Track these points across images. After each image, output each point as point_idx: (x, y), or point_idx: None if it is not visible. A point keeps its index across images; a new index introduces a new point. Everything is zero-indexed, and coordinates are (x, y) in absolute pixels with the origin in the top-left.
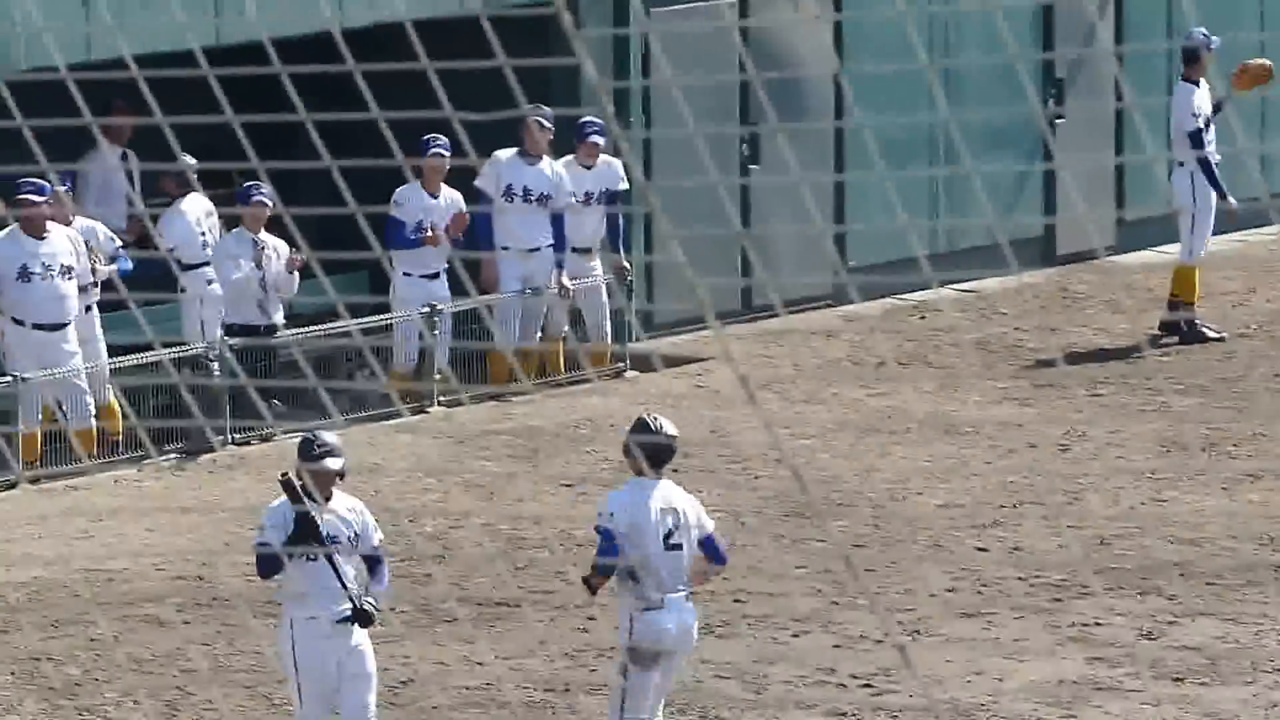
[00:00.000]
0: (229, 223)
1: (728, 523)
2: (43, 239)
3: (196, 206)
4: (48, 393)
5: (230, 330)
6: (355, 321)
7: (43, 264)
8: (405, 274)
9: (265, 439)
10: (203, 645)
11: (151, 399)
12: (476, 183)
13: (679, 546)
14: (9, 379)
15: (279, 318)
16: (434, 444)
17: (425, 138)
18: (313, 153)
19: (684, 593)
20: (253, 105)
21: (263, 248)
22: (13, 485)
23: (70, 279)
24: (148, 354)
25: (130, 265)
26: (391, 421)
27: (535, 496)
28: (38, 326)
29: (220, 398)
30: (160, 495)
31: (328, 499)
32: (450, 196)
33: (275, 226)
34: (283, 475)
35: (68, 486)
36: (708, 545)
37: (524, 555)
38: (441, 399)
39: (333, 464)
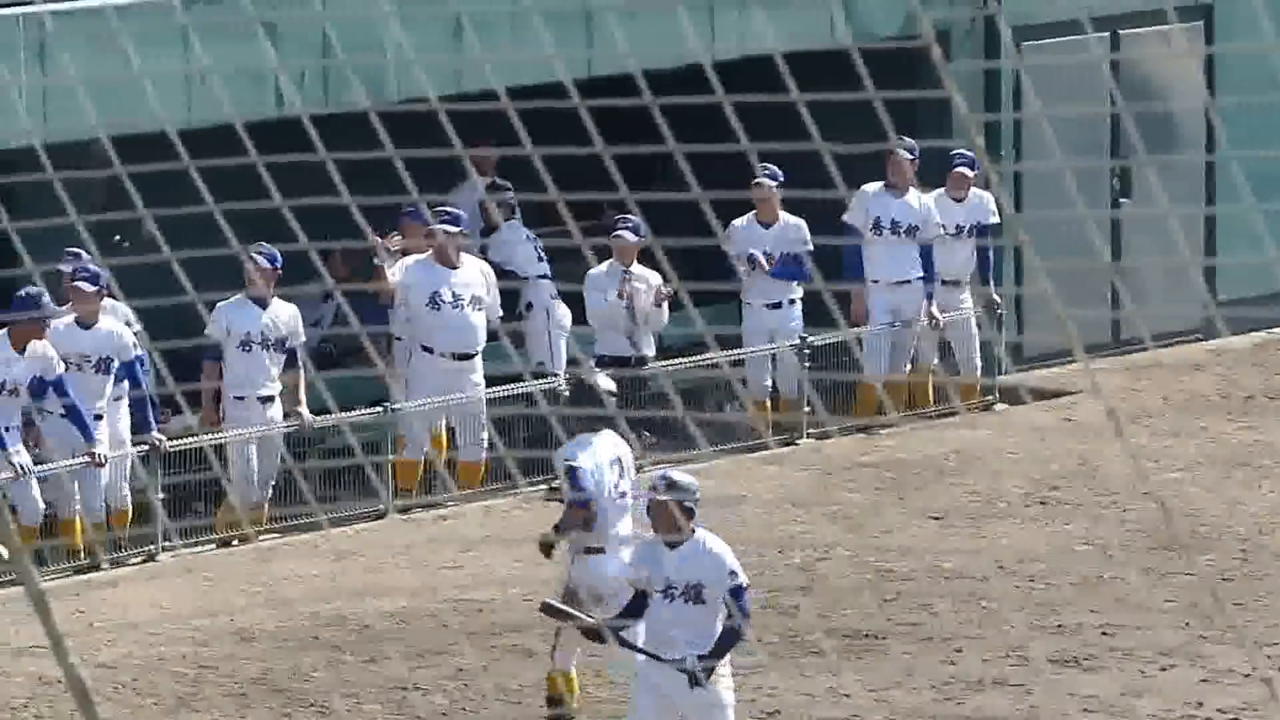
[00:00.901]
0: (599, 254)
1: (1095, 555)
2: (455, 269)
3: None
4: (438, 422)
5: (600, 361)
6: (723, 353)
7: (454, 293)
8: (747, 304)
9: (636, 470)
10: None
11: (522, 430)
12: (845, 216)
13: (623, 494)
14: (379, 409)
15: (648, 349)
16: (801, 475)
17: (759, 167)
18: (683, 184)
19: (624, 540)
20: (622, 137)
21: (630, 280)
22: (381, 515)
23: (479, 310)
24: (518, 385)
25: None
26: (759, 453)
27: (902, 528)
28: (445, 355)
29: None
30: (528, 525)
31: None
32: (785, 224)
33: (646, 258)
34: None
35: (436, 516)
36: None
37: (891, 587)
38: (810, 431)
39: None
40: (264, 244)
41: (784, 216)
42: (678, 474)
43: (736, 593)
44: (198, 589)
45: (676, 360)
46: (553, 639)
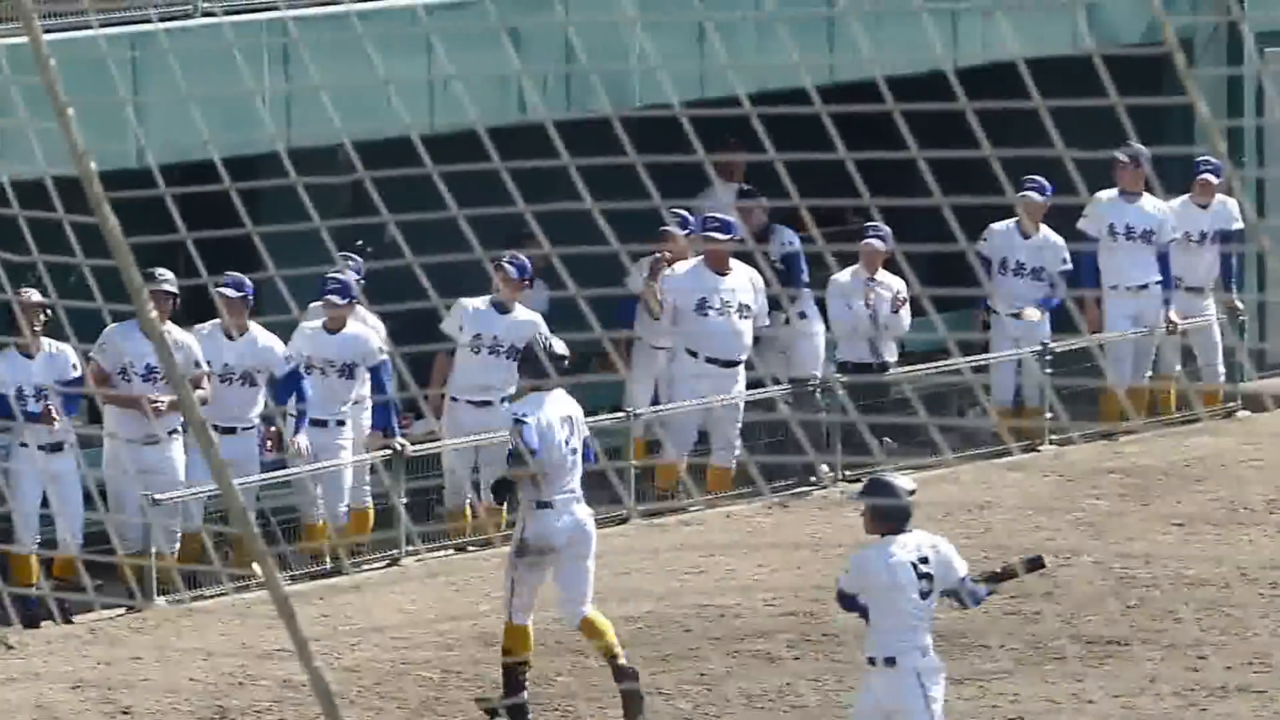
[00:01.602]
0: (842, 260)
1: None
2: (724, 275)
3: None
4: (691, 427)
5: (842, 367)
6: (965, 359)
7: (722, 299)
8: (994, 311)
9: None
10: (812, 681)
11: (763, 435)
12: (1080, 224)
13: (575, 450)
14: (621, 413)
15: (890, 355)
16: (1044, 482)
17: (1024, 179)
18: (926, 190)
19: (575, 495)
20: (865, 143)
21: (875, 287)
22: (624, 520)
23: (745, 318)
24: (758, 391)
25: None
26: (1002, 460)
27: (1145, 535)
28: (711, 360)
29: (833, 433)
30: (771, 531)
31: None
32: (1045, 239)
33: (889, 264)
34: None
35: (679, 521)
36: (586, 451)
37: (1134, 593)
38: (1053, 438)
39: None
40: (513, 254)
41: (1044, 230)
42: (890, 477)
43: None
44: (442, 593)
45: (920, 366)
46: (507, 595)
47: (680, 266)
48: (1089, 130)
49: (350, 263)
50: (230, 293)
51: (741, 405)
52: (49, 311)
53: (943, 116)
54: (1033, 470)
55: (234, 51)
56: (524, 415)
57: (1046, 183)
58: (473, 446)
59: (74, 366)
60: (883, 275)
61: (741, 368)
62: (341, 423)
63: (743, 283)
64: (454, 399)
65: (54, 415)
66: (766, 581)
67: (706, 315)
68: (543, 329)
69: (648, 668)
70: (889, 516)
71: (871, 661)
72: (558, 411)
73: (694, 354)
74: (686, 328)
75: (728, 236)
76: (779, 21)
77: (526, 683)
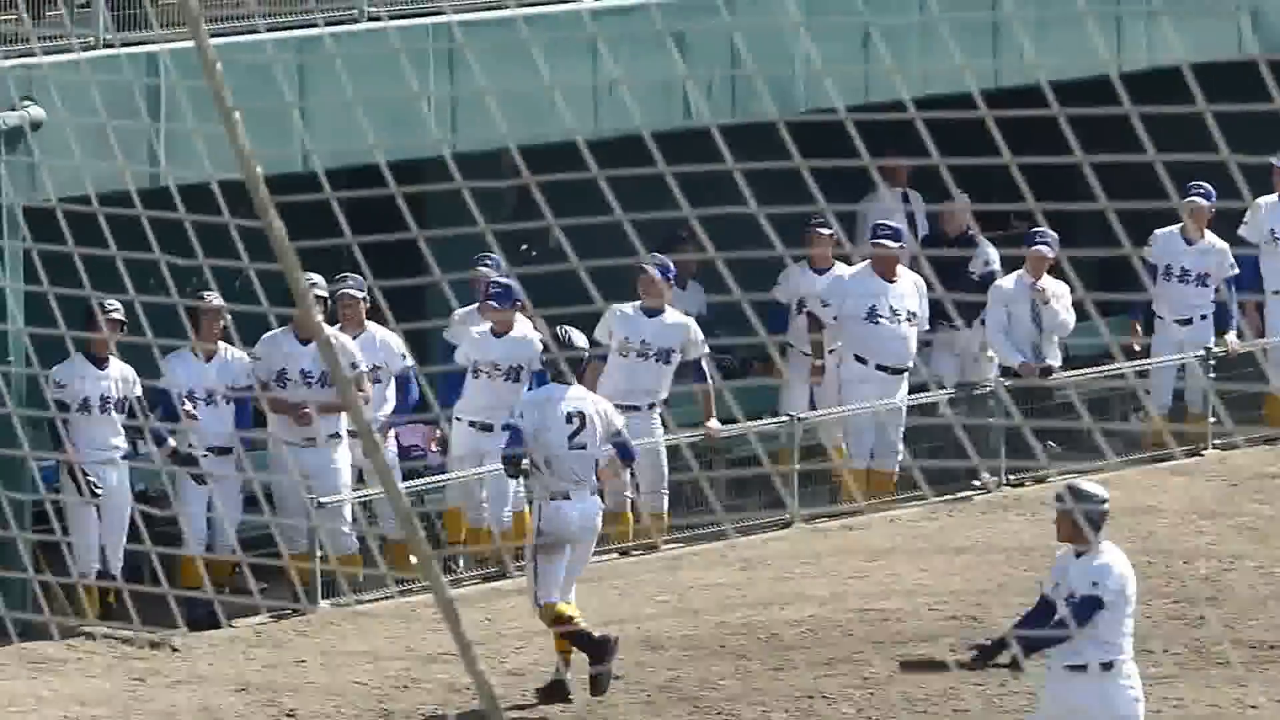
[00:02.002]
0: (1008, 265)
1: None
2: (892, 282)
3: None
4: (868, 432)
5: (1005, 373)
6: (1130, 364)
7: (890, 307)
8: (1159, 317)
9: (1039, 480)
10: (975, 685)
11: (925, 439)
12: (1240, 230)
13: (583, 446)
14: (785, 417)
15: (1054, 359)
16: (1208, 486)
17: (1189, 185)
18: (1091, 195)
19: (589, 487)
20: (1030, 148)
21: (1041, 292)
22: (787, 524)
23: (913, 325)
24: (923, 395)
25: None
26: (1165, 464)
27: None
28: (880, 368)
29: (996, 438)
30: (934, 536)
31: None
32: (1210, 245)
33: (1053, 269)
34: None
35: (842, 526)
36: (618, 444)
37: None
38: (1216, 442)
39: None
40: (657, 254)
41: (1210, 236)
42: (1085, 483)
43: (1080, 603)
44: (605, 597)
45: (1083, 370)
46: (531, 585)
47: (849, 272)
48: (1252, 135)
49: (488, 263)
50: (355, 293)
51: (905, 410)
52: (228, 316)
53: (1107, 121)
54: (1196, 475)
55: (399, 56)
56: (512, 420)
57: (1211, 188)
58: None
59: (247, 374)
60: (1047, 280)
61: (905, 377)
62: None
63: (909, 289)
64: (862, 360)
65: (194, 418)
66: (930, 586)
67: (877, 323)
68: (695, 333)
69: (810, 672)
70: (1098, 524)
71: (1082, 668)
72: (565, 407)
73: (863, 360)
74: (855, 333)
75: (897, 245)
76: (943, 25)
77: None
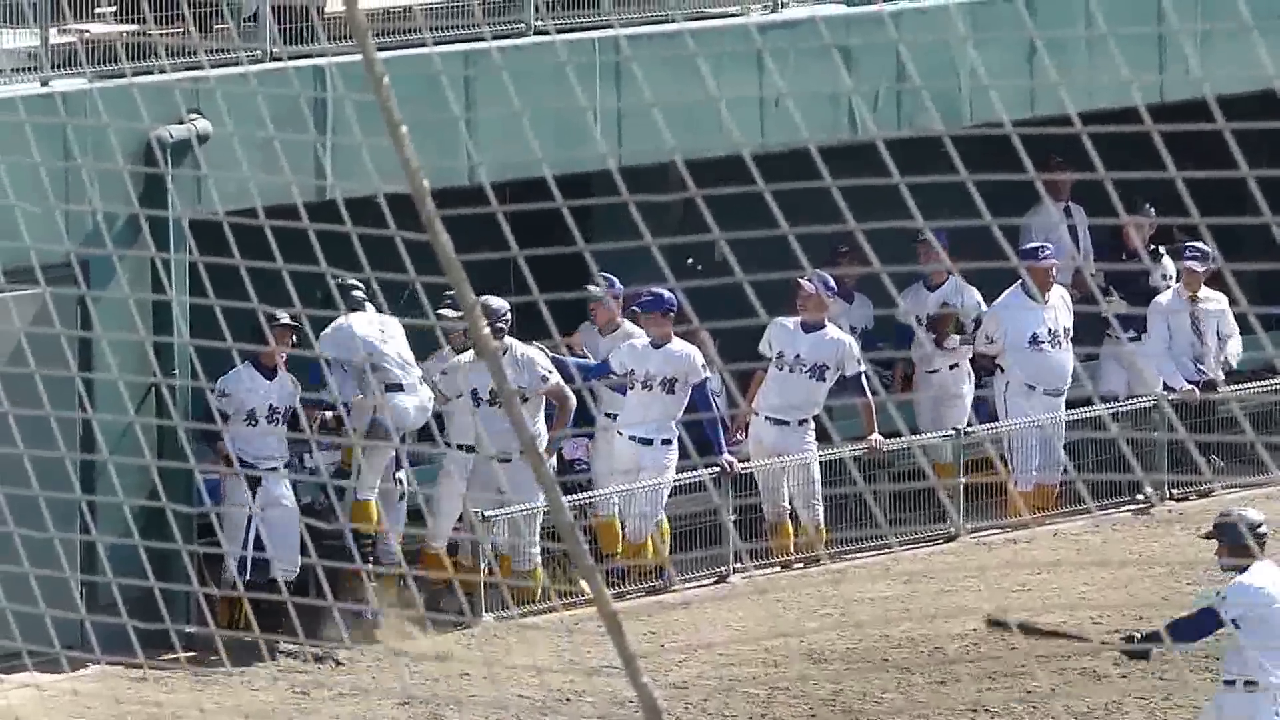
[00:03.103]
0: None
1: None
2: (1044, 304)
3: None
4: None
5: (1166, 387)
6: None
7: (1049, 329)
8: None
9: (1203, 494)
10: (1140, 699)
11: (1090, 454)
12: None
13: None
14: (952, 432)
15: (1217, 374)
16: None
17: None
18: (1256, 210)
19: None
20: (1194, 162)
21: (1197, 306)
22: (952, 537)
23: (1063, 348)
24: (1087, 409)
25: None
26: None
27: None
28: (1048, 393)
29: (1160, 452)
30: (1098, 549)
31: None
32: None
33: (1216, 282)
34: None
35: (1006, 539)
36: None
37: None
38: None
39: None
40: (819, 271)
41: None
42: (1246, 510)
43: (1196, 616)
44: (769, 610)
45: (1247, 384)
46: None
47: (1005, 298)
48: None
49: (604, 283)
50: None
51: (1062, 426)
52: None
53: (1273, 135)
54: None
55: (566, 69)
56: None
57: None
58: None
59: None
60: (1206, 293)
61: (1066, 390)
62: (668, 441)
63: (1060, 306)
64: (756, 414)
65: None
66: (1093, 599)
67: (1042, 350)
68: (851, 349)
69: (974, 685)
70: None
71: (1230, 684)
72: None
73: (1032, 387)
74: (1019, 359)
75: (1052, 263)
76: (1110, 38)
77: None
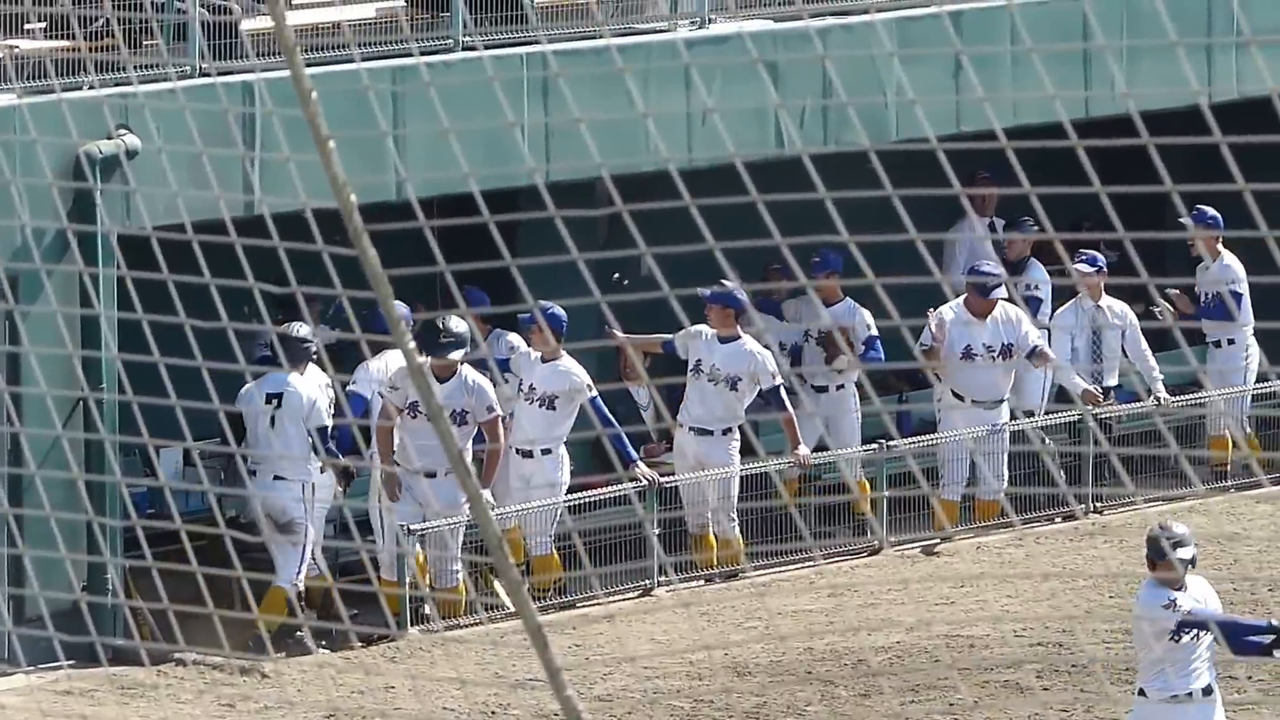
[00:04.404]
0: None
1: None
2: (984, 320)
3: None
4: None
5: (1061, 395)
6: (1216, 392)
7: (985, 344)
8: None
9: (1127, 507)
10: (1060, 712)
11: (1014, 467)
12: None
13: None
14: (874, 445)
15: (1112, 381)
16: None
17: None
18: (1177, 224)
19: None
20: (1120, 177)
21: (1100, 311)
22: (876, 550)
23: (999, 364)
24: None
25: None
26: (1253, 491)
27: None
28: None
29: (1087, 464)
30: (1022, 562)
31: None
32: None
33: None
34: None
35: (931, 552)
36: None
37: None
38: None
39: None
40: (724, 283)
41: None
42: (1174, 524)
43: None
44: (694, 623)
45: (1172, 398)
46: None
47: (947, 311)
48: None
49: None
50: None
51: (1006, 440)
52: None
53: (1197, 151)
54: None
55: (494, 85)
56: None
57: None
58: (707, 475)
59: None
60: (1108, 301)
61: (1003, 403)
62: (548, 451)
63: (1002, 323)
64: (680, 426)
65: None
66: (1016, 612)
67: (975, 363)
68: (765, 363)
69: (898, 697)
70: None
71: (1188, 695)
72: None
73: (960, 397)
74: (954, 372)
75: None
76: (1035, 55)
77: None
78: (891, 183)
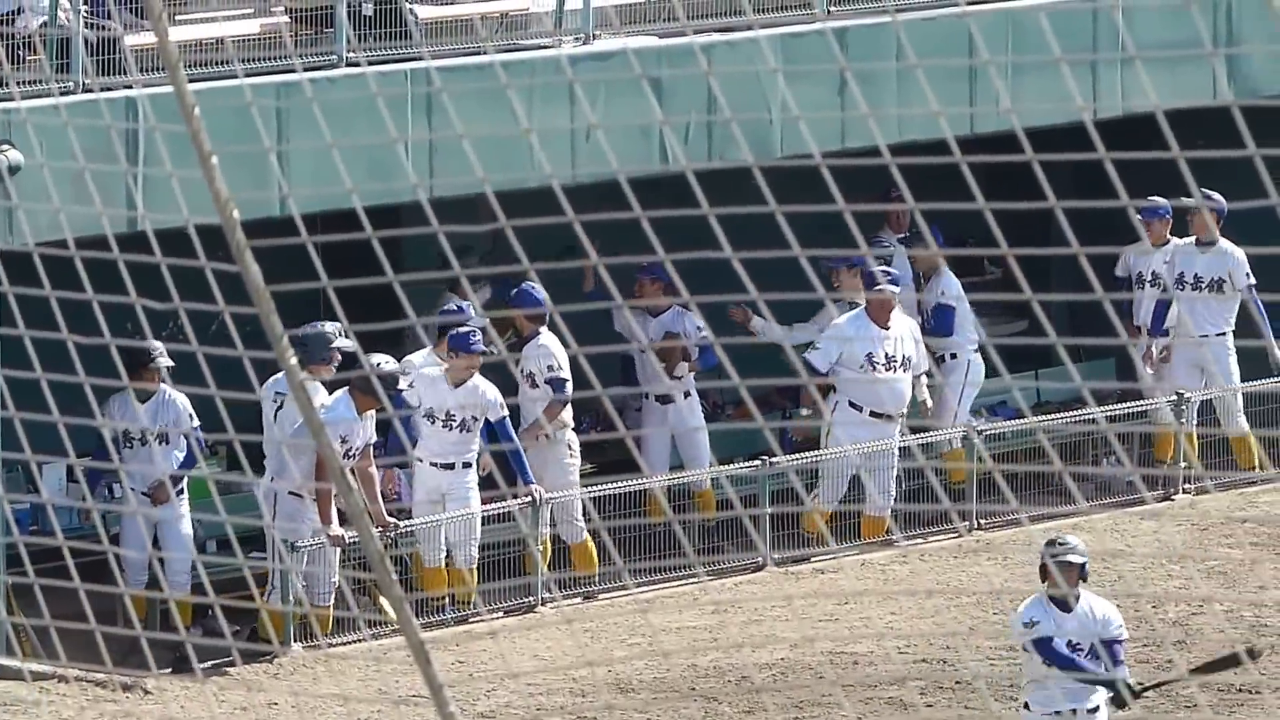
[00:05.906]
0: (977, 309)
1: None
2: (887, 328)
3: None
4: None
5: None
6: (1102, 409)
7: (887, 354)
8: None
9: (1010, 524)
10: None
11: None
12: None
13: None
14: (758, 462)
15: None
16: (1178, 531)
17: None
18: (1066, 240)
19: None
20: (1006, 193)
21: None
22: (759, 567)
23: (907, 371)
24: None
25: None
26: (1136, 508)
27: (1278, 583)
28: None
29: (967, 483)
30: (905, 579)
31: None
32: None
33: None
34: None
35: (814, 569)
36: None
37: (1266, 642)
38: (1186, 486)
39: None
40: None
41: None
42: (1070, 536)
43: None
44: (577, 639)
45: (1054, 415)
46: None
47: (840, 319)
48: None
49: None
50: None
51: (895, 454)
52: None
53: (1083, 167)
54: (1167, 519)
55: (378, 101)
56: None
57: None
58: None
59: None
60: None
61: (901, 418)
62: (465, 465)
63: (904, 334)
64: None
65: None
66: (899, 629)
67: (876, 373)
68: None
69: (781, 715)
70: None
71: (1072, 713)
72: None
73: (858, 407)
74: (852, 381)
75: (898, 289)
76: (920, 71)
77: None
78: (776, 198)
